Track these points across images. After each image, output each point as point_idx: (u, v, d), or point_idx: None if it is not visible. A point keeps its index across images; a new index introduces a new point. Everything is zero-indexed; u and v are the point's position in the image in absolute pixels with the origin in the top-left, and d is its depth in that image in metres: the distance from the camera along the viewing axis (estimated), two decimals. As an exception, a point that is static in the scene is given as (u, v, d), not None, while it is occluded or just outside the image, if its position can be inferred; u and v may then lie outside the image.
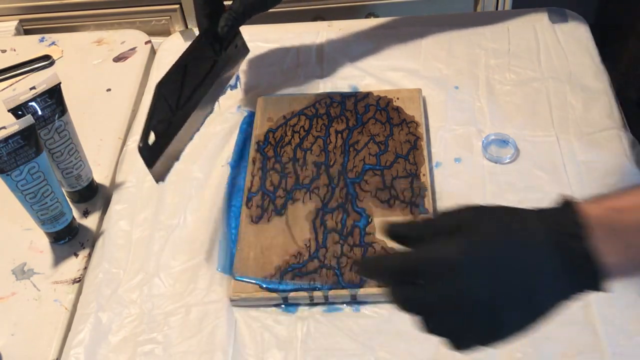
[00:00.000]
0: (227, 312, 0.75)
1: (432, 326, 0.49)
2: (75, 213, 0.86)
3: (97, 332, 0.75)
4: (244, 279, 0.76)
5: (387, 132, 0.89)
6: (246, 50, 0.96)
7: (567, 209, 0.48)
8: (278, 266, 0.77)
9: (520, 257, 0.47)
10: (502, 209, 0.50)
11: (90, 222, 0.87)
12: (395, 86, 0.98)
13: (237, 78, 0.88)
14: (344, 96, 0.95)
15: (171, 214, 0.86)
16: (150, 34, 1.16)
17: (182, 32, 1.12)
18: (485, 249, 0.47)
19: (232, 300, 0.75)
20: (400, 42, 1.05)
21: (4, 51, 1.13)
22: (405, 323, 0.72)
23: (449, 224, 0.50)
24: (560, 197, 0.50)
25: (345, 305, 0.75)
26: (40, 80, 0.81)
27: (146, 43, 1.12)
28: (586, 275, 0.47)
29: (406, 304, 0.51)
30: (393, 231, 0.52)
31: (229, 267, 0.79)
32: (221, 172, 0.89)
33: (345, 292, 0.74)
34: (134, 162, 0.93)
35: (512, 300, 0.47)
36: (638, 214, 0.47)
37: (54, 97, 0.81)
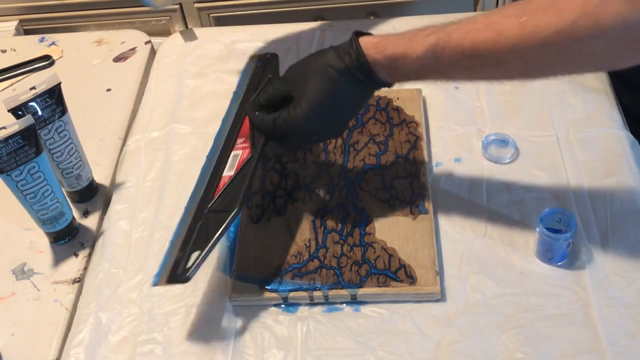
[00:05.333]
0: (227, 312, 0.75)
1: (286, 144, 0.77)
2: (75, 213, 0.86)
3: (97, 332, 0.75)
4: (244, 279, 0.76)
5: (387, 132, 0.89)
6: None
7: (352, 41, 0.71)
8: (278, 266, 0.77)
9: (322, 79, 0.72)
10: (309, 68, 0.74)
11: (90, 222, 0.87)
12: (395, 86, 0.97)
13: (239, 84, 0.88)
14: (344, 96, 0.95)
15: (171, 214, 0.86)
16: (150, 34, 1.16)
17: (182, 32, 1.12)
18: (315, 98, 0.72)
19: (232, 301, 0.75)
20: (400, 42, 1.04)
21: (4, 51, 1.13)
22: (405, 323, 0.73)
23: (282, 94, 0.75)
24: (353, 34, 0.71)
25: (345, 305, 0.75)
26: (40, 80, 0.81)
27: (146, 43, 1.12)
28: (358, 66, 0.70)
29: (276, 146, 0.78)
30: (256, 106, 0.77)
31: (229, 267, 0.79)
32: (221, 172, 0.90)
33: (345, 292, 0.74)
34: (134, 162, 0.93)
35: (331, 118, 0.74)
36: (397, 46, 0.69)
37: (54, 97, 0.81)
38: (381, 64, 0.70)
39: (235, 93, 0.85)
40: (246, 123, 0.80)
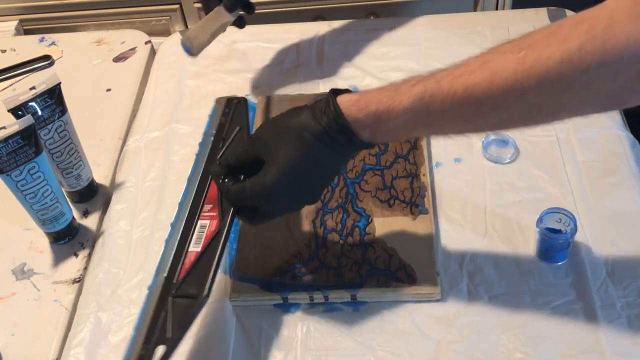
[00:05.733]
0: (227, 312, 0.75)
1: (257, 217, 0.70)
2: (75, 213, 0.86)
3: (97, 332, 0.75)
4: (244, 279, 0.76)
5: (387, 132, 0.89)
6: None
7: (330, 100, 0.65)
8: (278, 266, 0.77)
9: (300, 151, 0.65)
10: (281, 130, 0.67)
11: (90, 222, 0.87)
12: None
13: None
14: (344, 96, 0.95)
15: (171, 214, 0.85)
16: (150, 34, 1.16)
17: (182, 32, 1.12)
18: (287, 164, 0.65)
19: (232, 301, 0.75)
20: (400, 42, 1.05)
21: (4, 51, 1.13)
22: (405, 323, 0.73)
23: (253, 156, 0.68)
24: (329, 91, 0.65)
25: (345, 305, 0.75)
26: (40, 80, 0.81)
27: (146, 43, 1.12)
28: (342, 134, 0.64)
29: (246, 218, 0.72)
30: (223, 169, 0.70)
31: (229, 267, 0.79)
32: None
33: (345, 292, 0.74)
34: (134, 162, 0.93)
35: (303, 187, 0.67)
36: (375, 103, 0.63)
37: (54, 97, 0.81)
38: (363, 123, 0.63)
39: (201, 144, 0.81)
40: (214, 186, 0.74)
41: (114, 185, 0.91)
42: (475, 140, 0.89)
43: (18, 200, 0.79)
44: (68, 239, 0.85)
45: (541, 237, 0.74)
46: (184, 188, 0.75)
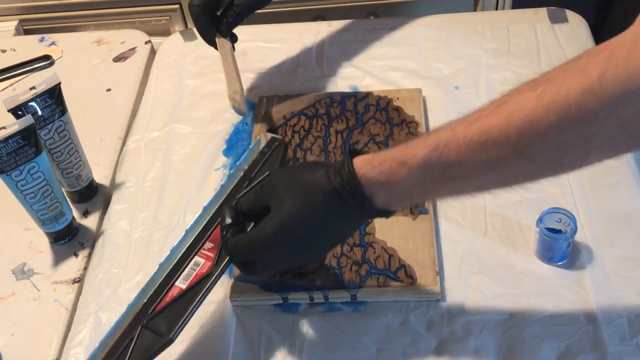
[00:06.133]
0: (227, 313, 0.75)
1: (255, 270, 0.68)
2: (75, 213, 0.86)
3: (97, 332, 0.75)
4: (244, 279, 0.76)
5: (387, 132, 0.89)
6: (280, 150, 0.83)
7: (345, 161, 0.61)
8: (278, 266, 0.77)
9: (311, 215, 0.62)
10: (293, 182, 0.64)
11: (90, 222, 0.87)
12: (395, 86, 0.98)
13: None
14: (344, 96, 0.95)
15: (171, 214, 0.86)
16: (150, 34, 1.16)
17: (182, 32, 1.12)
18: (289, 220, 0.63)
19: (232, 301, 0.75)
20: (400, 42, 1.05)
21: (4, 51, 1.13)
22: (405, 323, 0.73)
23: (262, 204, 0.66)
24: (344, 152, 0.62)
25: (345, 305, 0.74)
26: (40, 80, 0.81)
27: (146, 43, 1.12)
28: (358, 203, 0.60)
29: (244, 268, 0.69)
30: (236, 211, 0.68)
31: (229, 268, 0.78)
32: (221, 173, 0.89)
33: (345, 292, 0.74)
34: (134, 162, 0.93)
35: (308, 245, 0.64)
36: (385, 169, 0.59)
37: (54, 97, 0.81)
38: (377, 182, 0.59)
39: (230, 176, 0.78)
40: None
41: (114, 185, 0.91)
42: (475, 140, 0.89)
43: (18, 200, 0.79)
44: (68, 239, 0.85)
45: (541, 237, 0.74)
46: (198, 214, 0.73)
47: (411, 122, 0.90)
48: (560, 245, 0.74)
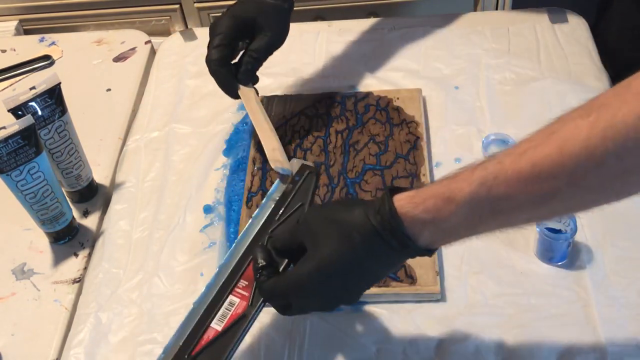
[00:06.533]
0: (227, 312, 0.75)
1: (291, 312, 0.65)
2: (75, 213, 0.86)
3: (97, 332, 0.75)
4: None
5: (387, 132, 0.89)
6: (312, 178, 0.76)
7: (385, 199, 0.58)
8: (278, 266, 0.76)
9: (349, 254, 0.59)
10: (330, 221, 0.61)
11: (90, 222, 0.87)
12: (395, 86, 0.98)
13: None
14: (344, 96, 0.95)
15: (171, 214, 0.86)
16: (150, 34, 1.16)
17: (182, 32, 1.12)
18: (326, 262, 0.59)
19: (232, 300, 0.75)
20: (400, 42, 1.05)
21: (4, 51, 1.13)
22: (405, 323, 0.73)
23: (297, 243, 0.63)
24: (385, 190, 0.59)
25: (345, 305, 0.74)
26: (40, 80, 0.81)
27: (146, 43, 1.12)
28: (401, 245, 0.57)
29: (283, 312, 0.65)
30: (269, 251, 0.66)
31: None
32: (221, 173, 0.89)
33: (345, 292, 0.74)
34: (134, 162, 0.93)
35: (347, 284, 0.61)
36: (427, 205, 0.56)
37: (54, 97, 0.81)
38: (421, 221, 0.56)
39: (262, 207, 0.73)
40: None
41: (114, 185, 0.91)
42: (475, 140, 0.89)
43: (18, 200, 0.79)
44: (68, 239, 0.85)
45: (541, 237, 0.74)
46: (231, 249, 0.70)
47: (411, 122, 0.90)
48: (560, 245, 0.74)
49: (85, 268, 0.82)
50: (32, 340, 0.76)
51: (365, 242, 0.58)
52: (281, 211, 0.71)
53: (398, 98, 0.93)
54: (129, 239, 0.84)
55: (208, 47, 0.85)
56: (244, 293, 0.68)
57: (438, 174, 0.85)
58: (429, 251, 0.58)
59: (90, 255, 0.84)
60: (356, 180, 0.84)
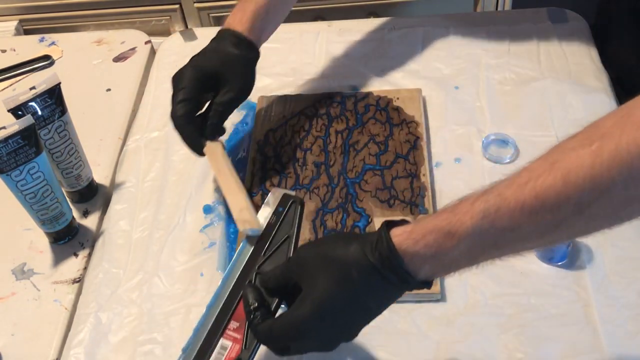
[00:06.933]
0: (227, 312, 0.75)
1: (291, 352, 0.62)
2: (75, 213, 0.86)
3: (97, 332, 0.75)
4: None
5: (387, 132, 0.89)
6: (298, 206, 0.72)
7: (382, 234, 0.57)
8: (278, 266, 0.76)
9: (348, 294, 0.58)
10: (324, 258, 0.59)
11: (90, 222, 0.87)
12: (395, 86, 0.98)
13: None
14: (344, 96, 0.95)
15: (171, 214, 0.86)
16: (150, 34, 1.16)
17: (182, 32, 1.12)
18: (324, 303, 0.58)
19: (232, 301, 0.75)
20: (400, 42, 1.05)
21: (4, 51, 1.13)
22: (405, 323, 0.73)
23: (291, 282, 0.61)
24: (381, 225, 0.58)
25: (345, 305, 0.74)
26: (40, 80, 0.81)
27: (146, 43, 1.12)
28: (399, 279, 0.56)
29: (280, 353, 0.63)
30: (256, 292, 0.63)
31: (229, 267, 0.78)
32: (221, 172, 0.89)
33: (345, 292, 0.74)
34: (134, 162, 0.93)
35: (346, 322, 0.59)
36: (426, 240, 0.55)
37: (53, 97, 0.81)
38: (421, 257, 0.55)
39: (245, 241, 0.69)
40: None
41: (114, 185, 0.91)
42: (475, 140, 0.89)
43: (18, 200, 0.79)
44: (68, 239, 0.85)
45: (541, 237, 0.74)
46: (217, 288, 0.67)
47: (411, 122, 0.90)
48: (560, 245, 0.74)
49: (85, 268, 0.82)
50: (32, 340, 0.76)
51: (364, 280, 0.57)
52: (267, 245, 0.68)
53: (398, 98, 0.93)
54: (129, 239, 0.84)
55: (172, 100, 0.82)
56: (236, 335, 0.64)
57: (438, 173, 0.85)
58: (427, 284, 0.58)
59: (90, 255, 0.84)
60: (356, 180, 0.84)
